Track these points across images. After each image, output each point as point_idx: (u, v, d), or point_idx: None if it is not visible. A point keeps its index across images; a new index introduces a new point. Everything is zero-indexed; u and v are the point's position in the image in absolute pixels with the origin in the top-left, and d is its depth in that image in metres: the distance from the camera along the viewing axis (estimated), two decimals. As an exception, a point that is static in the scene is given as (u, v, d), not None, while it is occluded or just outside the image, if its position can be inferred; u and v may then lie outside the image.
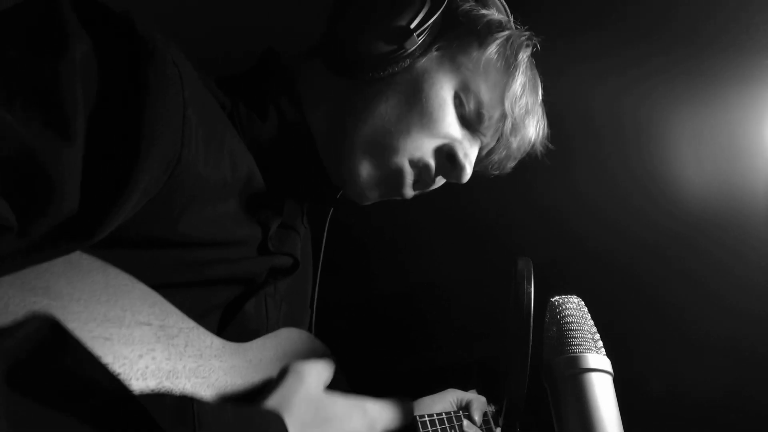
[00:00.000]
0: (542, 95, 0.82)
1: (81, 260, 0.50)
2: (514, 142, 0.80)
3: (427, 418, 0.86)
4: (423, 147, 0.73)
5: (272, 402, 0.59)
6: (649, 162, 1.23)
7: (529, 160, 0.89)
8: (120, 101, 0.49)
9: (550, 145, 0.85)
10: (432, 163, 0.75)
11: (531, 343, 0.56)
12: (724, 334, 1.14)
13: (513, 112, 0.76)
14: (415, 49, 0.70)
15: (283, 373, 0.62)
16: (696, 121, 1.20)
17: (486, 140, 0.79)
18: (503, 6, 0.82)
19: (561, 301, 0.62)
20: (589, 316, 0.61)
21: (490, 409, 1.02)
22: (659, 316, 1.21)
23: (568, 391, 0.57)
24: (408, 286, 1.37)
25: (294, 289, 0.85)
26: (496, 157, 0.83)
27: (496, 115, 0.76)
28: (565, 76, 1.21)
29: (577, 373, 0.57)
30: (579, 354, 0.57)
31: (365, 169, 0.74)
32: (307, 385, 0.62)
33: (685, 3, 1.15)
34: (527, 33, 0.79)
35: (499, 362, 0.68)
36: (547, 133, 0.85)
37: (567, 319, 0.60)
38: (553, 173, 1.27)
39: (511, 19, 0.82)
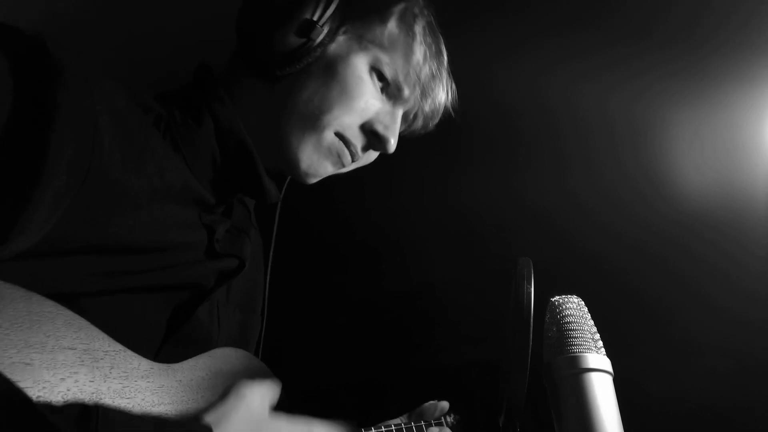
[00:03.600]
0: (447, 57, 0.88)
1: (3, 291, 0.52)
2: (426, 105, 0.86)
3: (374, 431, 0.85)
4: (346, 122, 0.79)
5: (209, 418, 0.61)
6: (646, 163, 1.23)
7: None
8: (30, 117, 0.52)
9: (456, 109, 0.91)
10: (357, 139, 0.81)
11: (531, 343, 0.56)
12: (722, 337, 1.15)
13: (420, 79, 0.82)
14: (323, 37, 0.76)
15: (225, 393, 0.64)
16: (693, 121, 1.20)
17: (409, 105, 0.85)
18: None
19: (561, 301, 0.62)
20: (589, 316, 0.61)
21: (452, 420, 1.01)
22: (658, 317, 1.21)
23: (568, 391, 0.57)
24: (408, 287, 1.37)
25: (248, 296, 0.88)
26: (417, 123, 0.89)
27: (411, 81, 0.82)
28: (557, 74, 1.21)
29: (577, 372, 0.57)
30: (579, 354, 0.57)
31: (305, 154, 0.79)
32: (249, 405, 0.64)
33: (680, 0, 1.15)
34: (422, 3, 0.84)
35: (500, 362, 0.68)
36: (456, 94, 0.91)
37: (567, 319, 0.60)
38: (553, 175, 1.27)
39: None
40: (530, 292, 0.57)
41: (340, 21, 0.77)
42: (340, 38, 0.78)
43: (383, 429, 0.86)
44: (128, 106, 0.65)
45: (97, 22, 1.23)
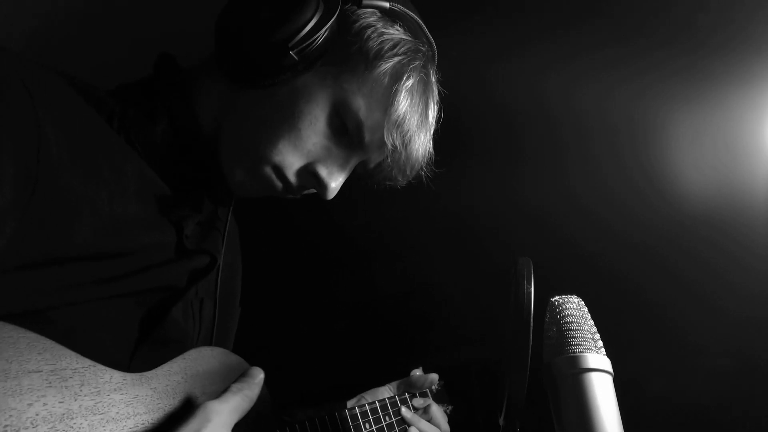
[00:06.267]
0: (435, 121, 0.83)
1: None
2: (395, 165, 0.80)
3: (357, 410, 0.82)
4: (288, 161, 0.75)
5: None
6: (646, 163, 1.23)
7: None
8: None
9: (434, 169, 0.86)
10: (294, 178, 0.77)
11: (531, 343, 0.56)
12: (722, 337, 1.15)
13: (392, 138, 0.76)
14: (295, 65, 0.70)
15: (189, 413, 0.61)
16: (693, 121, 1.20)
17: (368, 155, 0.80)
18: (415, 21, 0.80)
19: (561, 301, 0.62)
20: (589, 316, 0.61)
21: (436, 387, 1.00)
22: (658, 317, 1.21)
23: (568, 391, 0.57)
24: (407, 288, 1.37)
25: (225, 287, 0.85)
26: (381, 175, 0.84)
27: (377, 136, 0.76)
28: (556, 73, 1.21)
29: (577, 372, 0.57)
30: (579, 354, 0.57)
31: (238, 173, 0.76)
32: (213, 428, 0.60)
33: (680, -1, 1.15)
34: (418, 62, 0.77)
35: (499, 362, 0.68)
36: (431, 158, 0.85)
37: (567, 319, 0.60)
38: (553, 175, 1.27)
39: (425, 33, 0.81)
40: (530, 292, 0.57)
41: (322, 52, 0.72)
42: (319, 69, 0.73)
43: (367, 407, 0.84)
44: (77, 105, 0.62)
45: (96, 23, 1.23)
